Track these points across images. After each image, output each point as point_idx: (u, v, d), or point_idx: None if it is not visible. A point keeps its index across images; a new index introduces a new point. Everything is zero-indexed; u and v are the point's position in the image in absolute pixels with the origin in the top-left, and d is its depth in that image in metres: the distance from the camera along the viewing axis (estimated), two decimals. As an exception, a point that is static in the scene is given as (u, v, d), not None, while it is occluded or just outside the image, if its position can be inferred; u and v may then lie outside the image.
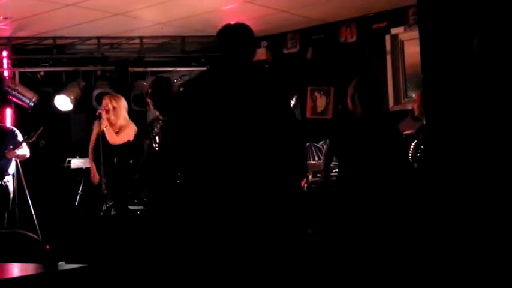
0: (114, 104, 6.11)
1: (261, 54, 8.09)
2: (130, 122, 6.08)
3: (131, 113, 6.44)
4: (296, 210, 3.64)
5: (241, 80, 3.50)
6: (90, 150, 6.38)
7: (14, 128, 6.68)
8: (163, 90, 5.09)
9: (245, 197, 3.38)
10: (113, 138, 6.08)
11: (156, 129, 5.16)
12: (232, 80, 3.49)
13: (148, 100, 5.13)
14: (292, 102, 6.99)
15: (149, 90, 5.12)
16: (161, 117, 5.09)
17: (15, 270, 2.63)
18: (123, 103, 6.17)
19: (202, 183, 3.48)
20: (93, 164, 6.35)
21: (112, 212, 5.82)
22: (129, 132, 6.04)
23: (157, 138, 5.12)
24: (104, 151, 6.03)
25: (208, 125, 3.41)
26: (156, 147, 5.16)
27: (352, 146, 4.60)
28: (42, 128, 6.52)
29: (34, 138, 6.49)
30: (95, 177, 6.33)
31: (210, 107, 3.43)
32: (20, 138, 6.50)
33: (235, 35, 3.59)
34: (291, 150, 3.53)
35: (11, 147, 6.37)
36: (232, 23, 3.76)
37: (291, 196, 3.56)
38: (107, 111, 6.06)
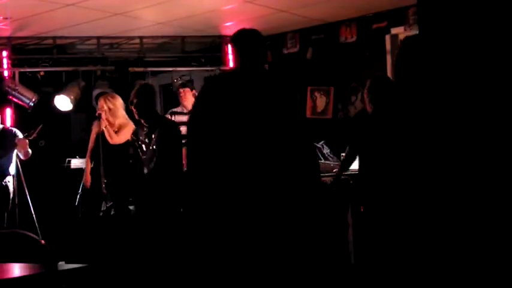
0: (110, 105, 6.10)
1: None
2: (129, 121, 6.06)
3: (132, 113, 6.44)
4: (311, 210, 3.67)
5: (255, 86, 3.60)
6: (88, 151, 6.37)
7: (15, 129, 6.68)
8: (147, 99, 5.18)
9: (258, 199, 3.43)
10: (113, 138, 6.08)
11: (141, 138, 5.21)
12: (246, 86, 3.59)
13: (133, 109, 5.20)
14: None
15: (134, 100, 5.18)
16: (146, 125, 5.15)
17: (15, 270, 2.63)
18: (119, 102, 6.14)
19: (216, 185, 3.52)
20: (88, 166, 6.34)
21: (112, 212, 5.82)
22: (129, 131, 6.00)
23: (143, 146, 5.17)
24: (104, 151, 6.02)
25: (222, 127, 3.50)
26: (142, 155, 5.20)
27: (368, 144, 4.65)
28: (41, 126, 6.51)
29: (35, 135, 6.47)
30: (87, 180, 6.32)
31: (224, 111, 3.52)
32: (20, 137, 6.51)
33: (251, 41, 3.69)
34: (302, 153, 3.59)
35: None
36: (245, 28, 3.82)
37: (304, 197, 3.59)
38: (105, 113, 6.07)
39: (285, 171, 3.47)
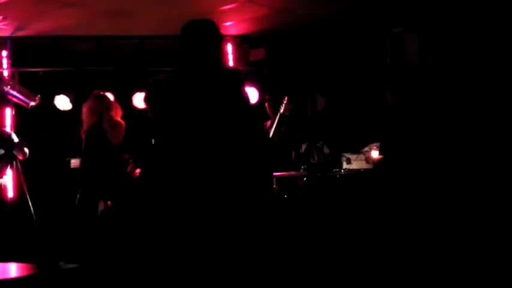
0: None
1: (260, 53, 8.13)
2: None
3: (133, 112, 6.52)
4: (264, 207, 3.69)
5: (204, 82, 3.47)
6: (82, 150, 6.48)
7: (11, 132, 6.76)
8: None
9: (211, 193, 3.36)
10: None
11: None
12: (195, 83, 3.47)
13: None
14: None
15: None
16: None
17: (15, 270, 2.64)
18: (107, 103, 6.34)
19: (167, 181, 3.46)
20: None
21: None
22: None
23: None
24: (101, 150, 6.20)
25: (172, 125, 3.43)
26: None
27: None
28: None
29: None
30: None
31: (174, 108, 3.44)
32: (16, 140, 6.61)
33: (198, 33, 3.54)
34: (254, 147, 3.53)
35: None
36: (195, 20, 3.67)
37: (257, 192, 3.57)
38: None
39: (236, 168, 3.41)
